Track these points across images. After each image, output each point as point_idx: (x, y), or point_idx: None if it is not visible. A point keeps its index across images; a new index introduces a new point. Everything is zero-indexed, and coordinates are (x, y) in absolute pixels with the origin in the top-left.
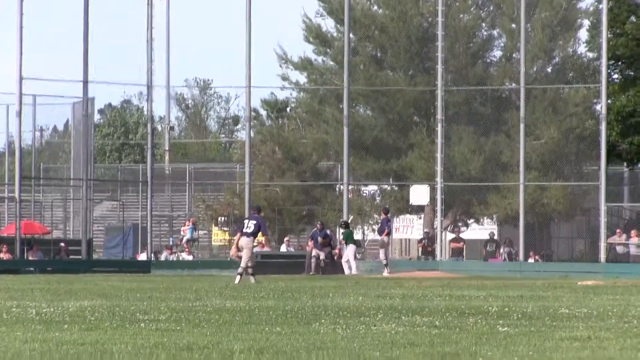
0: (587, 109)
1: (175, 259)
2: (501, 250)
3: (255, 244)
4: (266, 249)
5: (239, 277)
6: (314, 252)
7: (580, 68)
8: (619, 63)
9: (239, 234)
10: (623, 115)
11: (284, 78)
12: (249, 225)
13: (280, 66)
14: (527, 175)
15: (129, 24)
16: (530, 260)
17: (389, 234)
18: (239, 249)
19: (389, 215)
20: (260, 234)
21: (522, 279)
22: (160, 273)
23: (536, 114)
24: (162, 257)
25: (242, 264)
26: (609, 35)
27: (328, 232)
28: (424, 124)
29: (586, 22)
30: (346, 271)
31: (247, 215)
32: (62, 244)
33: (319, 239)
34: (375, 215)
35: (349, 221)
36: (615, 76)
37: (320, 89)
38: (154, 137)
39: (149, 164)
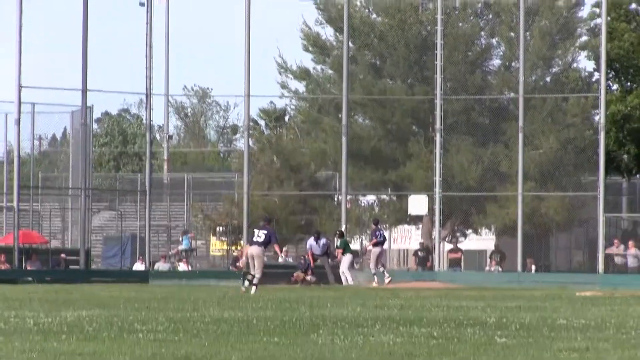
0: (586, 119)
1: (170, 268)
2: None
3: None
4: (279, 259)
5: (254, 287)
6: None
7: (579, 77)
8: (617, 72)
9: (248, 245)
10: (617, 120)
11: (283, 86)
12: (259, 235)
13: (280, 74)
14: (525, 185)
15: (127, 33)
16: (533, 267)
17: (376, 244)
18: (249, 258)
19: (378, 225)
20: (271, 244)
21: (520, 290)
22: (159, 283)
23: (534, 124)
24: (157, 267)
25: (257, 275)
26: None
27: (324, 240)
28: (422, 133)
29: (585, 32)
30: (344, 282)
31: (259, 224)
32: (62, 255)
33: (318, 250)
34: (373, 226)
35: (344, 230)
36: (615, 87)
37: (319, 98)
38: (152, 146)
39: (147, 174)
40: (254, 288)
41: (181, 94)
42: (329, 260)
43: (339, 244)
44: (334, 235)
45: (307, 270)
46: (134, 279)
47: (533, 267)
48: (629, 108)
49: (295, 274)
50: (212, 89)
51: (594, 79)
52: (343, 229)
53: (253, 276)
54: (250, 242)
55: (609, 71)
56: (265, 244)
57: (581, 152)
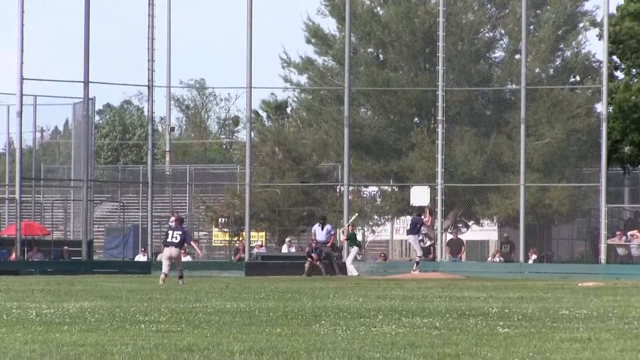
0: (590, 110)
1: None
2: (503, 250)
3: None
4: (198, 253)
5: (181, 280)
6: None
7: (584, 69)
8: (624, 53)
9: (165, 250)
10: (625, 110)
11: (286, 79)
12: (175, 236)
13: (283, 67)
14: (530, 176)
15: (129, 25)
16: (534, 256)
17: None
18: (167, 259)
19: (421, 215)
20: (187, 243)
21: (523, 280)
22: (161, 274)
23: (539, 114)
24: (159, 258)
25: (165, 270)
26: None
27: (329, 227)
28: (425, 124)
29: (589, 24)
30: (349, 273)
31: (172, 225)
32: (65, 247)
33: (323, 237)
34: (375, 217)
35: (352, 221)
36: (620, 74)
37: (321, 90)
38: (154, 137)
39: (149, 165)
40: (181, 280)
41: (182, 86)
42: (333, 249)
43: (346, 236)
44: (339, 228)
45: (315, 252)
46: (136, 270)
47: (533, 257)
48: (633, 97)
49: (308, 263)
50: (208, 81)
51: (597, 66)
52: (351, 220)
53: (166, 275)
54: (166, 244)
55: (612, 58)
56: (181, 244)
57: (584, 143)
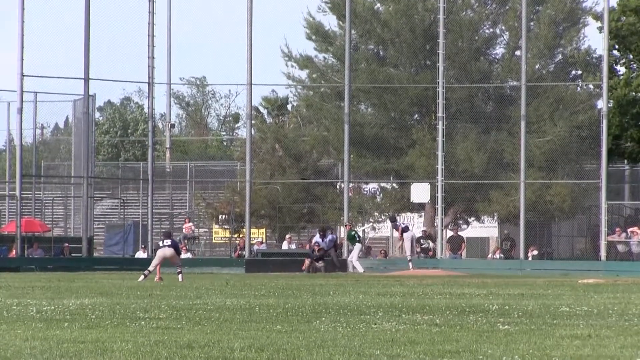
0: (590, 107)
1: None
2: (503, 247)
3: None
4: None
5: (180, 275)
6: (307, 261)
7: (585, 65)
8: (627, 46)
9: (159, 251)
10: (623, 105)
11: (288, 76)
12: (166, 241)
13: (286, 64)
14: (532, 173)
15: (129, 21)
16: (535, 252)
17: (404, 231)
18: (161, 260)
19: (396, 222)
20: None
21: (523, 277)
22: (161, 271)
23: (540, 110)
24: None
25: (151, 268)
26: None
27: (331, 237)
28: (425, 121)
29: (590, 19)
30: (351, 269)
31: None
32: (65, 244)
33: (324, 246)
34: (376, 214)
35: (348, 223)
36: (621, 69)
37: (321, 87)
38: (154, 134)
39: (149, 162)
40: (180, 276)
41: (183, 83)
42: (335, 250)
43: (345, 237)
44: (341, 225)
45: (318, 259)
46: (136, 266)
47: (533, 253)
48: (633, 93)
49: (306, 262)
50: (208, 78)
51: (597, 62)
52: (348, 222)
53: (149, 272)
54: (160, 247)
55: (613, 53)
56: (174, 246)
57: (585, 139)
